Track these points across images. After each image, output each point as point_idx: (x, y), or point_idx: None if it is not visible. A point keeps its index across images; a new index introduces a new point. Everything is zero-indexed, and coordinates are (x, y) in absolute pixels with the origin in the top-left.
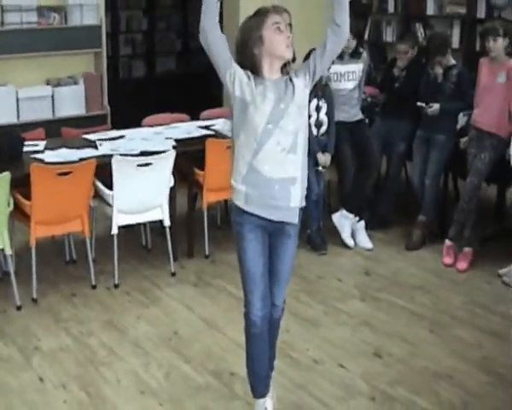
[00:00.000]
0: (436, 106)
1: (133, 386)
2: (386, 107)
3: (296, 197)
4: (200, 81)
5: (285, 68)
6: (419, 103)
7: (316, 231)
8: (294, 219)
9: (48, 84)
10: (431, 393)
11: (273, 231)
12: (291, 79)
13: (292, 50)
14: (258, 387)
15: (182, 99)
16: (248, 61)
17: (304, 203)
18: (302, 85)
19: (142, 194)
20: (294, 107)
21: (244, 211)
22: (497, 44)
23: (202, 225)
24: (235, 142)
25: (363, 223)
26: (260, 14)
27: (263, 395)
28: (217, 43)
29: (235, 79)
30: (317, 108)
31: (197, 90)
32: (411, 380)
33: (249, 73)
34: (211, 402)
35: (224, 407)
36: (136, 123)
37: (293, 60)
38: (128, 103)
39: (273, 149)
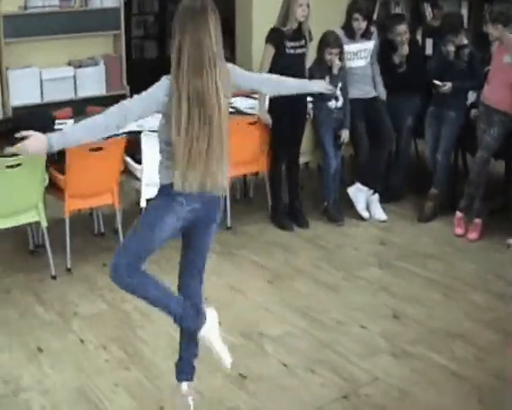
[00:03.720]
0: (449, 84)
1: (168, 346)
2: (391, 88)
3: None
4: None
5: None
6: (436, 81)
7: (333, 204)
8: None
9: (70, 65)
10: (446, 350)
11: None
12: None
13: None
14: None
15: None
16: None
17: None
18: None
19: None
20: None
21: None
22: (497, 31)
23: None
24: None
25: (377, 196)
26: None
27: None
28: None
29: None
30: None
31: None
32: (428, 339)
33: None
34: (243, 360)
35: (256, 364)
36: None
37: (310, 39)
38: (142, 83)
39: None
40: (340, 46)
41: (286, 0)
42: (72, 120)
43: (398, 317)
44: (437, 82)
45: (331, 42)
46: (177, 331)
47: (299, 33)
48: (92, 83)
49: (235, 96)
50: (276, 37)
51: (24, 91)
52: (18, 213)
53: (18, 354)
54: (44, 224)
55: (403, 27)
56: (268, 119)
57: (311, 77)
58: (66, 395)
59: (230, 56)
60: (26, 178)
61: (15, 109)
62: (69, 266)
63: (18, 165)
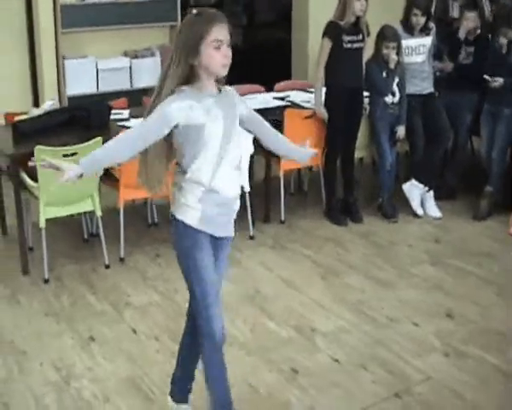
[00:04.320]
0: (500, 79)
1: None
2: (452, 79)
3: (236, 212)
4: (266, 55)
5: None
6: (485, 76)
7: (387, 200)
8: (232, 232)
9: (126, 55)
10: (499, 350)
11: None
12: (235, 98)
13: None
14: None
15: (249, 72)
16: (184, 72)
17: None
18: (241, 109)
19: None
20: (237, 120)
21: (197, 230)
22: None
23: (276, 192)
24: (185, 169)
25: (432, 193)
26: (201, 28)
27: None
28: (149, 145)
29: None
30: (391, 80)
31: (263, 63)
32: (481, 339)
33: (189, 94)
34: (295, 354)
35: (308, 359)
36: None
37: (368, 34)
38: None
39: (228, 167)
40: (398, 40)
41: None
42: (127, 111)
43: (452, 316)
44: (487, 77)
45: (388, 36)
46: (231, 325)
47: (357, 27)
48: (148, 73)
49: (291, 89)
50: (333, 31)
51: (80, 81)
52: (73, 202)
53: (70, 342)
54: (99, 213)
55: (472, 15)
56: (324, 113)
57: (368, 72)
58: (117, 384)
59: (286, 50)
60: None
61: (71, 99)
62: (122, 255)
63: (74, 154)
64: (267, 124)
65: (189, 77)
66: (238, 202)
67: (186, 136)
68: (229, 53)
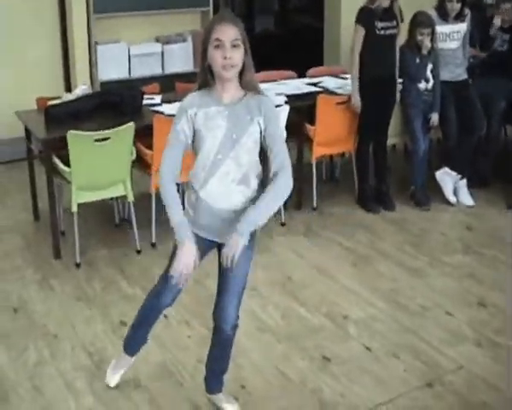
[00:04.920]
0: None
1: (252, 324)
2: (486, 65)
3: None
4: (298, 40)
5: (243, 78)
6: None
7: (420, 188)
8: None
9: (157, 41)
10: None
11: (221, 245)
12: (257, 112)
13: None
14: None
15: (281, 58)
16: (202, 74)
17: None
18: (258, 129)
19: None
20: (249, 140)
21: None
22: None
23: (308, 178)
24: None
25: (465, 181)
26: (208, 27)
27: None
28: (182, 153)
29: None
30: (424, 66)
31: (295, 49)
32: None
33: (196, 100)
34: (326, 342)
35: (339, 347)
36: None
37: (401, 20)
38: None
39: (223, 179)
40: (432, 26)
41: None
42: (159, 96)
43: (484, 305)
44: None
45: (422, 22)
46: (263, 311)
47: (391, 13)
48: (179, 59)
49: (323, 75)
50: (366, 17)
51: (112, 66)
52: (105, 186)
53: (101, 327)
54: (131, 198)
55: (508, 6)
56: (358, 100)
57: (401, 58)
58: (149, 368)
59: (319, 36)
60: (114, 152)
61: (103, 84)
62: (154, 241)
63: (106, 139)
64: (278, 160)
65: (207, 80)
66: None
67: (193, 136)
68: (232, 54)
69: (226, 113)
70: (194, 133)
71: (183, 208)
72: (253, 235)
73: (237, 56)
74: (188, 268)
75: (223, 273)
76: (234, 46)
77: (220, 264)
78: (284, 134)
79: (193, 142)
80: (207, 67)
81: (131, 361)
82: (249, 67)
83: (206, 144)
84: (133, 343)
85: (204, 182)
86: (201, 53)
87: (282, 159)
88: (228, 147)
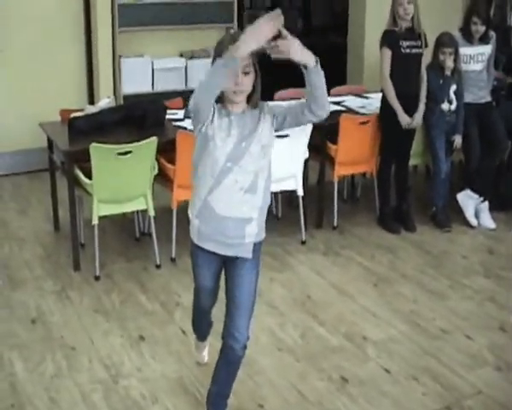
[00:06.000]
0: None
1: (271, 343)
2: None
3: (251, 234)
4: (322, 59)
5: (252, 99)
6: None
7: (441, 209)
8: (248, 254)
9: (181, 56)
10: None
11: (227, 261)
12: (260, 116)
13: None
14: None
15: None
16: None
17: (261, 238)
18: (269, 125)
19: (279, 164)
20: (257, 146)
21: (197, 245)
22: None
23: (329, 197)
24: (194, 174)
25: (486, 203)
26: (222, 46)
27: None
28: (208, 109)
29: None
30: (447, 87)
31: None
32: None
33: (214, 105)
34: (345, 362)
35: (358, 367)
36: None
37: (426, 45)
38: None
39: (230, 187)
40: (454, 47)
41: (392, 1)
42: (182, 111)
43: (505, 329)
44: None
45: (444, 42)
46: (281, 330)
47: (414, 33)
48: (203, 74)
49: (346, 94)
50: (389, 38)
51: (135, 80)
52: (127, 200)
53: (119, 341)
54: (152, 213)
55: None
56: (406, 117)
57: (427, 77)
58: (166, 384)
59: (342, 54)
60: (136, 166)
61: (126, 97)
62: (174, 256)
63: (129, 152)
64: (293, 103)
65: (219, 95)
66: (250, 227)
67: (199, 140)
68: (243, 80)
69: (236, 122)
70: (207, 136)
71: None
72: (257, 249)
73: (248, 82)
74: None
75: (231, 291)
76: (245, 72)
77: (227, 282)
78: (306, 153)
79: (203, 145)
80: None
81: (206, 343)
82: (258, 90)
83: (217, 153)
84: (200, 334)
85: (211, 188)
86: None
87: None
88: (237, 155)
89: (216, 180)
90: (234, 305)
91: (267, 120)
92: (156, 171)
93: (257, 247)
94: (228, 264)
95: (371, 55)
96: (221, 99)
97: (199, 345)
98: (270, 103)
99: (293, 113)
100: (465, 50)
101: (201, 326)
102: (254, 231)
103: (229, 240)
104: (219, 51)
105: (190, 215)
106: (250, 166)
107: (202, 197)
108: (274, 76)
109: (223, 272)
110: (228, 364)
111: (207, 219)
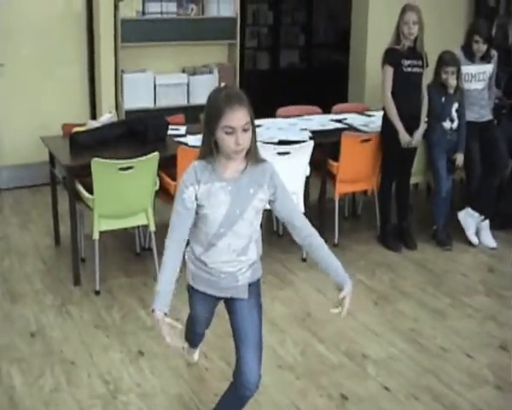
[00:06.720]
0: None
1: (271, 360)
2: None
3: (245, 278)
4: (322, 76)
5: (250, 155)
6: None
7: (442, 228)
8: (244, 294)
9: (184, 72)
10: None
11: (228, 302)
12: (261, 182)
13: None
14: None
15: (305, 93)
16: (208, 145)
17: (255, 278)
18: (266, 196)
19: None
20: (252, 212)
21: (192, 286)
22: None
23: (330, 214)
24: (190, 233)
25: (487, 222)
26: (216, 108)
27: None
28: (188, 224)
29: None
30: (449, 105)
31: (320, 84)
32: None
33: (199, 174)
34: (345, 380)
35: (358, 385)
36: (262, 113)
37: (427, 65)
38: (254, 93)
39: (224, 249)
40: (457, 65)
41: (398, 19)
42: (184, 127)
43: (506, 348)
44: None
45: (447, 60)
46: (282, 347)
47: (415, 53)
48: (205, 90)
49: (348, 112)
50: (392, 56)
51: (137, 95)
52: (128, 215)
53: (118, 356)
54: (153, 228)
55: None
56: (407, 136)
57: (428, 96)
58: (165, 400)
59: (343, 72)
60: (137, 181)
61: (128, 113)
62: None
63: (130, 168)
64: (302, 220)
65: (211, 151)
66: (243, 274)
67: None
68: (244, 139)
69: (229, 188)
70: (197, 206)
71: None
72: (254, 287)
73: (247, 139)
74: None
75: (234, 326)
76: (244, 130)
77: (229, 316)
78: (308, 170)
79: (196, 213)
80: (214, 142)
81: (197, 349)
82: (255, 143)
83: (209, 219)
84: (192, 344)
85: (206, 249)
86: (207, 130)
87: (308, 226)
88: (231, 221)
89: (210, 243)
90: (239, 340)
91: (265, 191)
92: (157, 186)
93: (253, 286)
94: (226, 301)
95: (373, 72)
96: (212, 154)
97: (190, 351)
98: (277, 174)
99: (285, 215)
100: (467, 69)
101: (194, 340)
102: (247, 275)
103: (224, 286)
104: (215, 121)
105: (187, 259)
106: (244, 230)
107: (197, 254)
108: (277, 92)
109: None
110: (236, 399)
111: (202, 269)
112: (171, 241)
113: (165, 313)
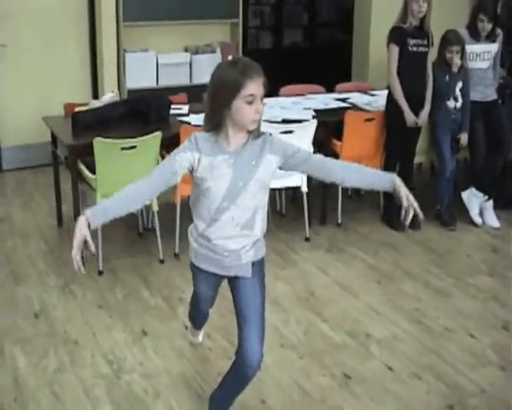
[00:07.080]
0: None
1: (273, 339)
2: None
3: (248, 257)
4: (326, 55)
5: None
6: None
7: (446, 208)
8: (247, 273)
9: (186, 51)
10: None
11: (231, 280)
12: (261, 153)
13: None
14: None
15: (309, 72)
16: (215, 119)
17: (259, 257)
18: (273, 166)
19: None
20: (255, 185)
21: (195, 264)
22: None
23: (333, 194)
24: (192, 209)
25: (491, 202)
26: (235, 80)
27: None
28: (164, 183)
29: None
30: (453, 84)
31: (323, 63)
32: None
33: (194, 153)
34: (348, 359)
35: (361, 365)
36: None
37: (432, 44)
38: None
39: (227, 223)
40: (461, 44)
41: None
42: (187, 106)
43: (509, 328)
44: None
45: (451, 39)
46: (285, 327)
47: (421, 32)
48: (208, 70)
49: (351, 91)
50: (398, 35)
51: (140, 75)
52: None
53: (122, 336)
54: (155, 208)
55: None
56: (412, 116)
57: (433, 75)
58: (168, 380)
59: (347, 51)
60: (140, 160)
61: (131, 92)
62: (177, 251)
63: (133, 147)
64: (327, 160)
65: (218, 124)
66: (247, 252)
67: (194, 180)
68: (262, 108)
69: (232, 161)
70: (199, 179)
71: (189, 236)
72: (258, 266)
73: (263, 110)
74: (77, 244)
75: (237, 304)
76: (262, 99)
77: (232, 295)
78: (311, 149)
79: (198, 185)
80: (227, 114)
81: (202, 330)
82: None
83: (212, 192)
84: (196, 324)
85: (209, 224)
86: (218, 104)
87: (327, 162)
88: (234, 194)
89: (213, 218)
90: (243, 319)
91: (271, 161)
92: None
93: (256, 265)
94: (229, 279)
95: (377, 51)
96: (219, 128)
97: (194, 332)
98: (277, 138)
99: (302, 163)
100: (472, 48)
101: (199, 319)
102: (251, 253)
103: (227, 264)
104: (234, 92)
105: (189, 237)
106: (248, 203)
107: (200, 230)
108: (280, 71)
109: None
110: (238, 379)
111: (205, 247)
112: (136, 183)
113: (89, 226)
